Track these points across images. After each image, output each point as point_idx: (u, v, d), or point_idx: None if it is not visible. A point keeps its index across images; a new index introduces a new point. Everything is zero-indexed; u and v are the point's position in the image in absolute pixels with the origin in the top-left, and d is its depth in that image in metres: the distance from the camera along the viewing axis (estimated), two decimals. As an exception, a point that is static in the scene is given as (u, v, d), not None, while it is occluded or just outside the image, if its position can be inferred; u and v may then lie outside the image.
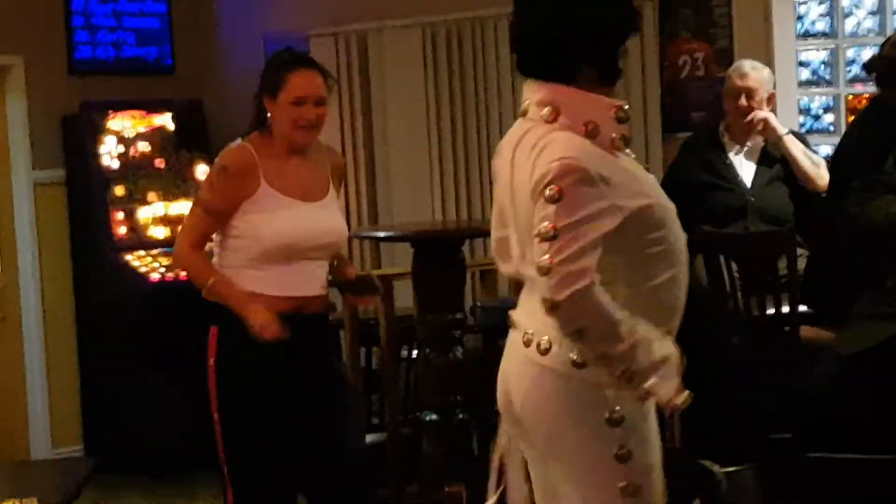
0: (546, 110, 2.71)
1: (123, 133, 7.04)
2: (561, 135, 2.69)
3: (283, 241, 3.97)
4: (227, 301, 3.93)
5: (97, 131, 6.98)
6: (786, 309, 5.14)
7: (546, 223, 2.61)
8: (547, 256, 2.60)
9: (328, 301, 4.15)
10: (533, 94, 2.77)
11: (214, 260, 4.05)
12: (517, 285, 5.81)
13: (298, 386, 4.01)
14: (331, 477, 4.09)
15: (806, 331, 5.17)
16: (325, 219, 4.06)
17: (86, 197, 7.03)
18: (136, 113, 7.05)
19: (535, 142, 2.71)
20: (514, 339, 2.84)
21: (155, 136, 7.12)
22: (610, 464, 2.70)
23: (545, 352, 2.74)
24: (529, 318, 2.79)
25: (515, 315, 2.87)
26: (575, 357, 2.71)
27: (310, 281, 4.04)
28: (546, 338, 2.73)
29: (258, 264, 3.97)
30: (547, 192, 2.61)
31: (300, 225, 4.00)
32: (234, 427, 3.98)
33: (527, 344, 2.78)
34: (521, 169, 2.74)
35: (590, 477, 2.73)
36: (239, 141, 4.08)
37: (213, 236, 4.06)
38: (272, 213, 3.97)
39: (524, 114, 2.79)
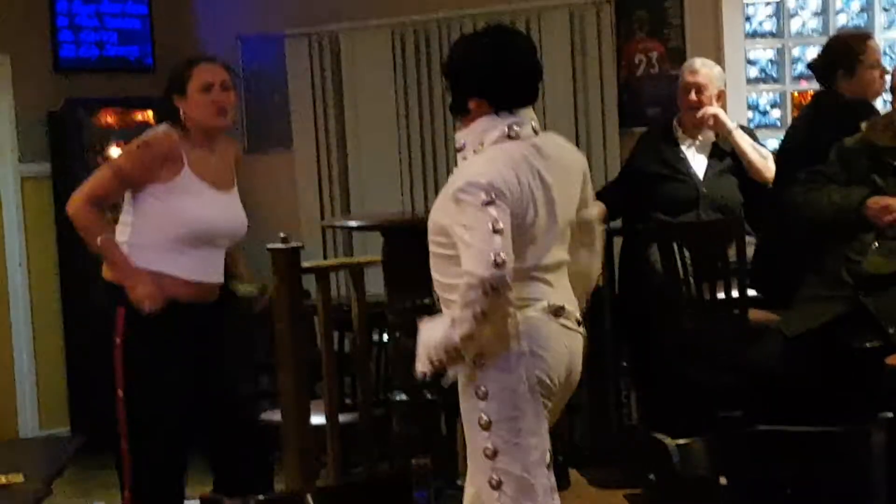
0: None
1: (107, 129, 7.10)
2: None
3: (203, 226, 4.19)
4: (111, 263, 4.16)
5: (81, 127, 7.04)
6: (735, 293, 5.28)
7: None
8: None
9: (225, 288, 4.35)
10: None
11: (122, 238, 4.22)
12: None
13: (198, 367, 4.27)
14: (228, 446, 4.34)
15: (754, 313, 5.32)
16: (235, 207, 4.27)
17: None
18: (119, 110, 7.12)
19: None
20: (568, 322, 3.37)
21: (137, 132, 7.08)
22: None
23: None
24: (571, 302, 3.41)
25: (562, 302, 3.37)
26: None
27: (213, 267, 4.26)
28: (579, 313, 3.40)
29: (170, 245, 4.16)
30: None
31: (217, 212, 4.22)
32: (137, 404, 4.21)
33: (579, 323, 3.40)
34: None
35: None
36: (164, 126, 4.28)
37: (126, 214, 4.23)
38: (196, 197, 4.19)
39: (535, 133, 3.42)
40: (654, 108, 6.48)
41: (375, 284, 5.19)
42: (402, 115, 7.07)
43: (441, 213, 3.36)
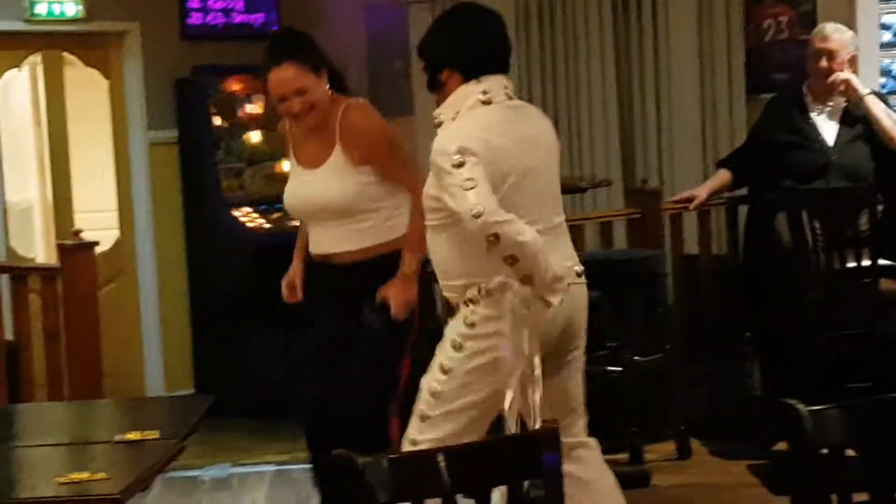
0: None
1: (232, 96, 7.21)
2: None
3: (287, 206, 4.32)
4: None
5: (207, 94, 7.16)
6: (866, 263, 5.21)
7: None
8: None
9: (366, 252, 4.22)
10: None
11: None
12: (603, 239, 6.03)
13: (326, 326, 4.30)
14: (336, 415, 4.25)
15: (885, 283, 5.25)
16: (314, 184, 4.17)
17: (197, 156, 7.23)
18: (245, 77, 7.17)
19: None
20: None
21: (261, 98, 7.17)
22: None
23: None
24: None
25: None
26: None
27: (330, 239, 4.22)
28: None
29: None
30: None
31: (294, 190, 4.26)
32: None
33: (578, 275, 3.61)
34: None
35: None
36: None
37: None
38: (290, 179, 4.30)
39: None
40: (783, 74, 6.42)
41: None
42: (525, 83, 7.06)
43: (429, 185, 3.57)
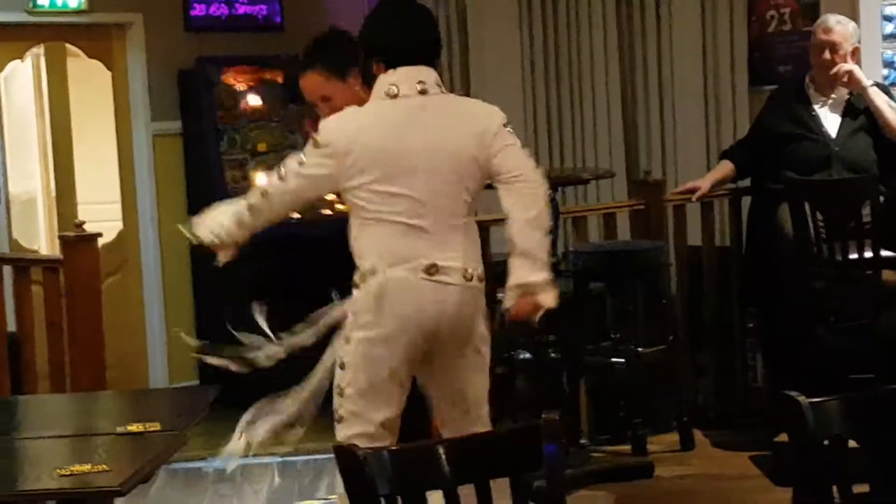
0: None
1: (236, 87, 7.22)
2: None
3: None
4: None
5: (211, 85, 7.17)
6: (868, 254, 5.18)
7: None
8: None
9: None
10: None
11: None
12: (607, 231, 6.04)
13: None
14: None
15: (888, 275, 5.22)
16: None
17: (200, 147, 7.23)
18: (248, 68, 7.22)
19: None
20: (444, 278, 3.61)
21: (265, 90, 7.29)
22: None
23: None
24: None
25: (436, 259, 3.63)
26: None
27: None
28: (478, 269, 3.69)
29: None
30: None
31: None
32: None
33: (468, 279, 3.64)
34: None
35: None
36: None
37: None
38: None
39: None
40: (786, 65, 6.41)
41: (500, 243, 5.20)
42: (528, 74, 7.06)
43: None
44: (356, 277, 3.67)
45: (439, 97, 3.73)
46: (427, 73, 3.71)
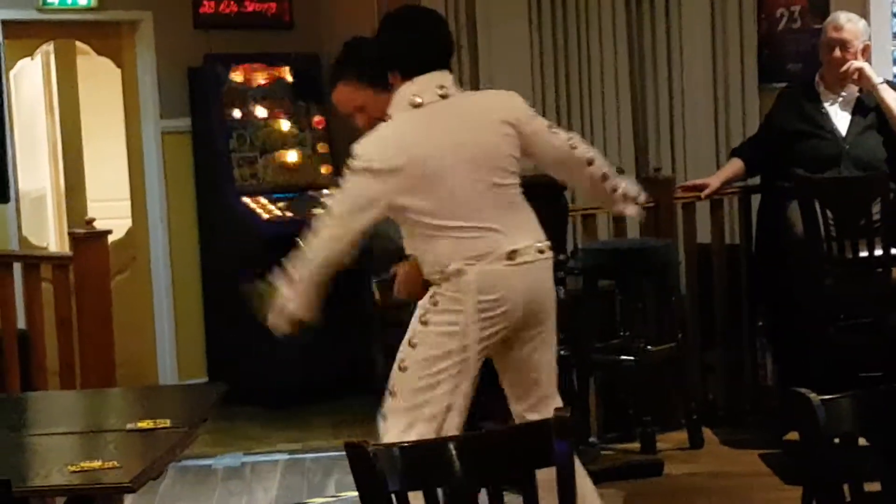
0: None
1: (245, 84, 7.24)
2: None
3: None
4: None
5: (220, 83, 7.18)
6: (879, 252, 5.17)
7: None
8: None
9: None
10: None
11: None
12: (616, 228, 6.05)
13: None
14: None
15: None
16: None
17: (210, 144, 7.24)
18: (257, 66, 7.25)
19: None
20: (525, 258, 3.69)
21: (274, 87, 7.31)
22: None
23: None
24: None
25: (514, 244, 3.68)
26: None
27: None
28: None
29: None
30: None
31: None
32: None
33: (542, 252, 3.73)
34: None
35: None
36: None
37: None
38: None
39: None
40: (796, 63, 6.38)
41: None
42: (537, 72, 7.05)
43: None
44: (437, 278, 3.69)
45: (460, 96, 3.81)
46: (445, 77, 3.76)
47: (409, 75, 3.73)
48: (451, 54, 3.88)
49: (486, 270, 3.65)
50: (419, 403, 3.66)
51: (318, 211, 3.70)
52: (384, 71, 3.79)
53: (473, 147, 3.70)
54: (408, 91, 3.71)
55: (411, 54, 3.74)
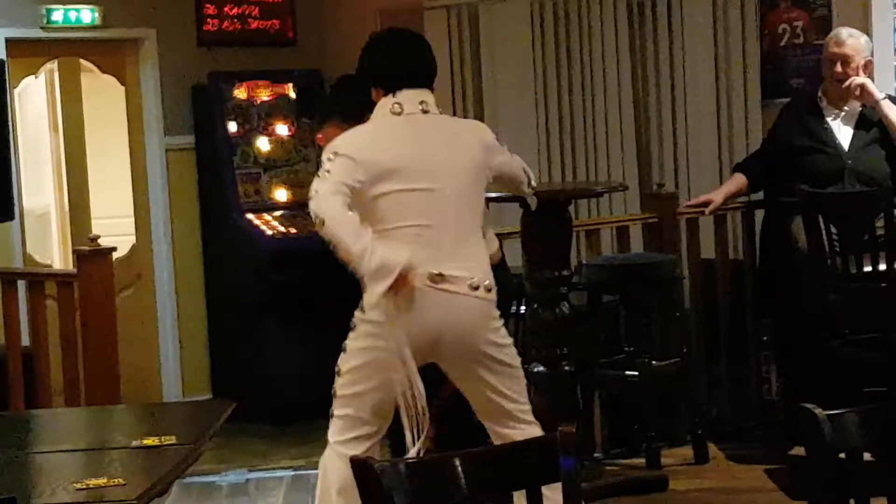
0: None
1: (248, 101, 7.26)
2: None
3: None
4: None
5: (224, 100, 7.20)
6: (882, 267, 5.18)
7: None
8: None
9: None
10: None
11: None
12: (620, 244, 6.04)
13: None
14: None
15: None
16: None
17: (213, 161, 7.25)
18: (261, 83, 7.26)
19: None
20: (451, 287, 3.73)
21: (278, 104, 7.33)
22: None
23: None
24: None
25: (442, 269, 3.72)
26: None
27: None
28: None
29: None
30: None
31: None
32: None
33: (475, 288, 3.74)
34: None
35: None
36: None
37: None
38: None
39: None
40: (798, 79, 6.39)
41: (513, 257, 5.21)
42: (540, 87, 7.07)
43: None
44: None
45: (440, 116, 3.94)
46: (427, 95, 3.88)
47: (391, 90, 3.85)
48: (433, 76, 3.97)
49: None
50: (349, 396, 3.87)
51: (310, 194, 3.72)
52: (367, 110, 3.90)
53: (453, 159, 3.81)
54: (389, 101, 3.83)
55: (394, 70, 3.86)
